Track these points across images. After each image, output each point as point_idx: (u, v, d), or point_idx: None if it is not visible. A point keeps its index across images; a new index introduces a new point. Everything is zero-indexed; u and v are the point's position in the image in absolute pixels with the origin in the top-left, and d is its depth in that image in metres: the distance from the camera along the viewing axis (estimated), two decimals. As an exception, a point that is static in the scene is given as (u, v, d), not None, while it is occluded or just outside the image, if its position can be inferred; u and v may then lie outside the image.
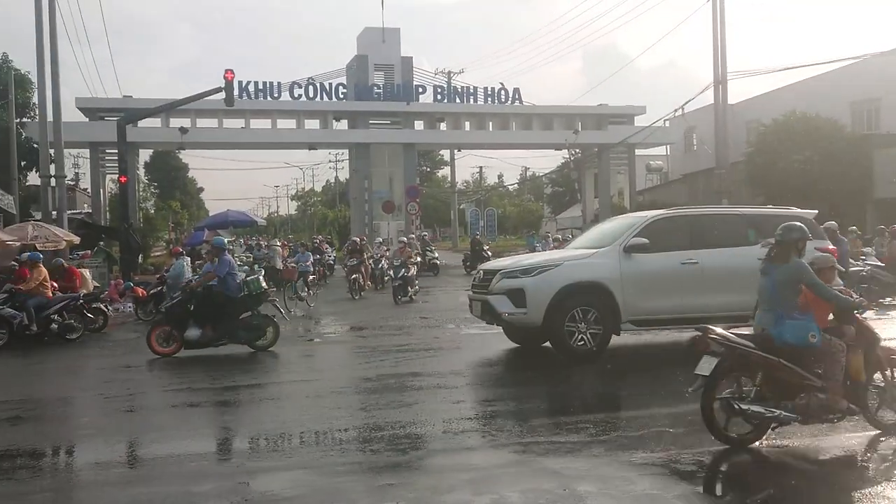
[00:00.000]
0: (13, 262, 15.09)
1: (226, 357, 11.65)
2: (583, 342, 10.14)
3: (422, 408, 7.95)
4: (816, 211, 12.47)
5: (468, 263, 30.30)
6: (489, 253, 30.22)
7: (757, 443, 6.25)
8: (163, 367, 11.21)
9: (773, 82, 57.13)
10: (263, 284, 12.43)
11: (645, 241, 10.42)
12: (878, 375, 6.55)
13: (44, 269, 13.08)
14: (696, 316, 9.93)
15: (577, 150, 44.93)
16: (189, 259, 17.39)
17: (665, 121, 38.03)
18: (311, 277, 20.42)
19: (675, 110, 31.29)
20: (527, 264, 10.83)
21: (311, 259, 22.57)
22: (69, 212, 26.67)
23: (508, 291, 10.36)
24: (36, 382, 10.74)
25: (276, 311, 12.64)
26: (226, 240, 15.42)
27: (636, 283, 10.35)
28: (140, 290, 17.87)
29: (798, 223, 6.46)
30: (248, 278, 12.44)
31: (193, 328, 11.68)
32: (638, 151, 45.19)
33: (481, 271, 11.61)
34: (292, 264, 21.45)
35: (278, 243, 29.97)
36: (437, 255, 32.79)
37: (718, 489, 5.80)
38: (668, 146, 48.73)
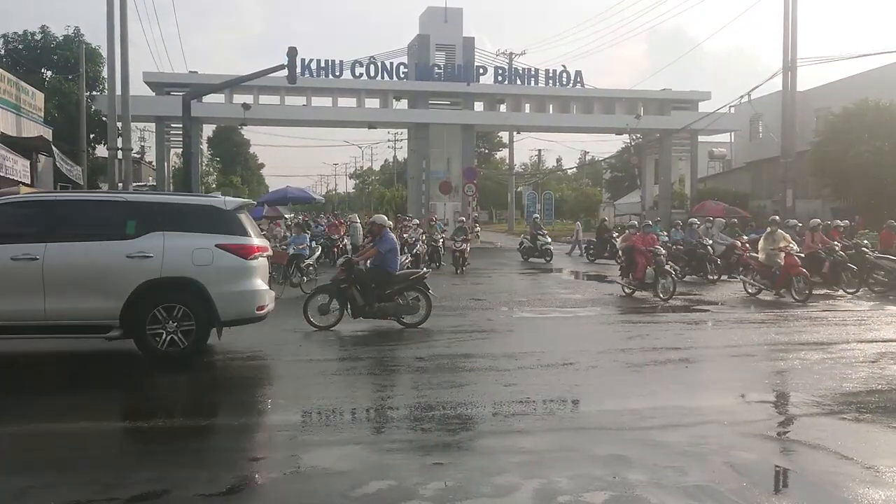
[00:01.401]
0: None
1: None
2: None
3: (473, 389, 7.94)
4: (250, 201, 11.04)
5: (523, 247, 27.74)
6: (548, 238, 27.71)
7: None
8: None
9: (845, 70, 55.15)
10: None
11: None
12: None
13: None
14: (27, 324, 8.61)
15: (639, 136, 44.28)
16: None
17: (730, 107, 37.25)
18: (305, 262, 17.59)
19: (742, 97, 30.60)
20: None
21: (307, 242, 19.35)
22: (135, 184, 27.42)
23: None
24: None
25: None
26: (287, 215, 14.40)
27: None
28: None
29: None
30: None
31: None
32: (701, 138, 44.39)
33: None
34: (283, 247, 18.49)
35: (357, 219, 27.71)
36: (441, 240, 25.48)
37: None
38: (733, 133, 47.67)
